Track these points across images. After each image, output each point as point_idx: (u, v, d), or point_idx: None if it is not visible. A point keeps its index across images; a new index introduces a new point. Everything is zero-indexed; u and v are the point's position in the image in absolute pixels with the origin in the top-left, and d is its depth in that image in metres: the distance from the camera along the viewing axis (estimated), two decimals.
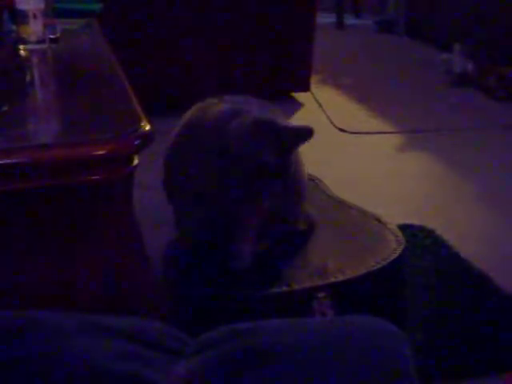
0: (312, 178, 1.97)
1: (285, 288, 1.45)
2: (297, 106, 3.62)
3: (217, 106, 1.55)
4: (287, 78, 3.60)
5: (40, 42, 1.73)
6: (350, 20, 5.99)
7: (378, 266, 1.53)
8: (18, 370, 0.73)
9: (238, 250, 1.54)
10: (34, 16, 1.71)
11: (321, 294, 1.45)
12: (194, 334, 0.85)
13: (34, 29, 1.72)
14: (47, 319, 0.81)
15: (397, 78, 4.31)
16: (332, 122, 3.37)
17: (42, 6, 1.73)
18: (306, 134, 1.43)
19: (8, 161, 1.06)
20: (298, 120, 3.12)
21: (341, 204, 1.82)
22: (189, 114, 1.62)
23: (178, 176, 1.60)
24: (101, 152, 1.09)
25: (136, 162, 1.14)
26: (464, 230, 2.32)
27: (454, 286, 1.96)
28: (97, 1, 2.31)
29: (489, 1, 4.28)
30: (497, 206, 2.54)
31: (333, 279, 1.48)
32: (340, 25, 5.83)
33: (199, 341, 0.83)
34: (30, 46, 1.72)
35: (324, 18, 5.14)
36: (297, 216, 1.66)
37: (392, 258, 1.56)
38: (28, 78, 1.53)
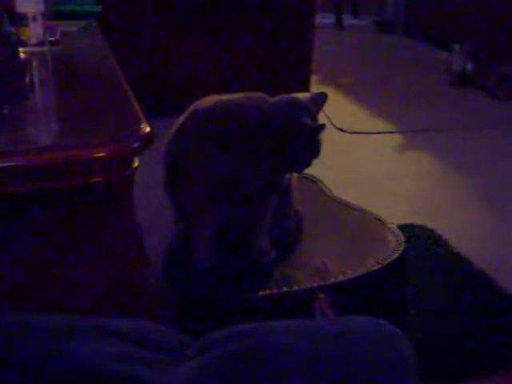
0: (312, 179, 1.97)
1: (285, 288, 1.45)
2: None
3: (224, 97, 1.53)
4: (287, 78, 3.60)
5: (40, 44, 1.73)
6: (348, 20, 5.99)
7: (379, 266, 1.53)
8: (15, 371, 0.73)
9: (262, 243, 1.55)
10: (34, 18, 1.71)
11: (321, 295, 1.45)
12: (195, 335, 0.85)
13: (33, 31, 1.72)
14: (46, 321, 0.81)
15: (396, 77, 4.32)
16: (331, 122, 3.37)
17: (41, 8, 1.73)
18: (323, 98, 1.49)
19: (8, 163, 1.06)
20: None
21: (341, 204, 1.82)
22: (192, 108, 1.58)
23: (187, 168, 1.52)
24: (101, 154, 1.09)
25: (136, 163, 1.14)
26: (464, 229, 2.32)
27: (454, 286, 1.96)
28: (96, 3, 2.31)
29: (488, 0, 4.29)
30: (497, 206, 2.54)
31: (333, 279, 1.48)
32: (339, 25, 5.84)
33: (200, 342, 0.83)
34: (29, 49, 1.72)
35: (323, 18, 5.14)
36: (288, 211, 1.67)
37: (392, 258, 1.56)
38: (27, 80, 1.53)
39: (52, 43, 1.81)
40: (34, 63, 1.73)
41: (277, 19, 3.49)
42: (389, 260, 1.55)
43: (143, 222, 1.42)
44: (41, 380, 0.72)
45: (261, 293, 1.44)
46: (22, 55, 1.72)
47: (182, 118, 1.59)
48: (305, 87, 3.66)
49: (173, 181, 1.61)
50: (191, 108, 1.58)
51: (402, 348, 0.83)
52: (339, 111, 3.60)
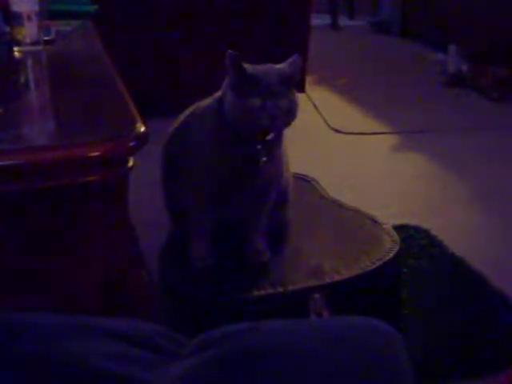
0: (307, 179, 1.97)
1: (280, 289, 1.45)
2: None
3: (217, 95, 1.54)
4: None
5: (34, 43, 1.73)
6: (344, 21, 6.00)
7: (373, 266, 1.53)
8: (10, 370, 0.73)
9: (258, 244, 1.55)
10: (29, 18, 1.70)
11: (316, 295, 1.45)
12: (190, 335, 0.85)
13: (28, 30, 1.71)
14: (41, 320, 0.81)
15: (391, 78, 4.32)
16: (327, 123, 3.37)
17: (36, 7, 1.72)
18: (297, 61, 1.48)
19: (3, 162, 1.06)
20: None
21: (336, 204, 1.83)
22: (190, 109, 1.58)
23: (184, 168, 1.53)
24: (96, 153, 1.09)
25: (131, 163, 1.13)
26: (459, 230, 2.33)
27: (450, 286, 1.97)
28: (91, 2, 2.31)
29: (483, 1, 4.30)
30: (492, 206, 2.54)
31: (328, 280, 1.48)
32: (335, 26, 5.84)
33: (195, 342, 0.83)
34: (24, 48, 1.72)
35: (318, 19, 5.14)
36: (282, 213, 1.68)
37: (387, 258, 1.57)
38: (23, 79, 1.53)
39: (47, 43, 1.80)
40: (29, 62, 1.72)
41: (272, 20, 3.49)
42: (384, 260, 1.56)
43: (138, 222, 1.42)
44: (37, 379, 0.72)
45: (256, 293, 1.44)
46: (16, 54, 1.72)
47: (180, 119, 1.59)
48: (300, 88, 3.67)
49: (170, 181, 1.61)
50: (190, 109, 1.59)
51: (397, 348, 0.83)
52: (335, 112, 3.60)
